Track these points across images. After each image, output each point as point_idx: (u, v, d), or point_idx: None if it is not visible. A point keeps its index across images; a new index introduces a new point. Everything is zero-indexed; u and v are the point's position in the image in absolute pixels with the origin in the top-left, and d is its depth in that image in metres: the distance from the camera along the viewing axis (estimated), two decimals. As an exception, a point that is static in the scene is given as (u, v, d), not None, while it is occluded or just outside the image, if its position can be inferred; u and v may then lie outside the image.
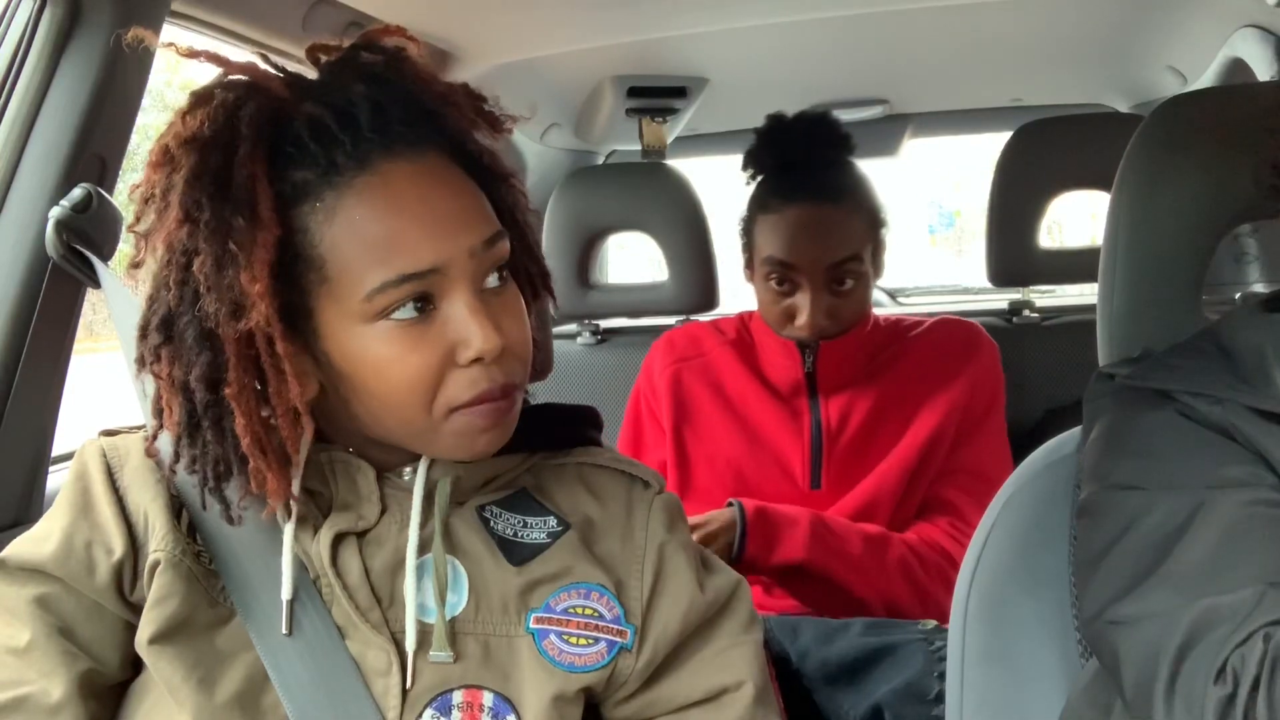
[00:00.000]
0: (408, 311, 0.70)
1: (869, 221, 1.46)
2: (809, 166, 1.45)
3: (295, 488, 0.75)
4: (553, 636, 0.76)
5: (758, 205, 1.48)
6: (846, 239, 1.41)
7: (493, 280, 0.74)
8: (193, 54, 0.73)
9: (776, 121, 1.51)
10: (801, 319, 1.41)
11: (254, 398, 0.71)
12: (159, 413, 0.74)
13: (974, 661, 0.86)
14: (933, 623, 1.23)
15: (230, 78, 0.72)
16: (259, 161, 0.69)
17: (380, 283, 0.69)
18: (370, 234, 0.70)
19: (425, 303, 0.71)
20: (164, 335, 0.72)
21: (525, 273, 0.82)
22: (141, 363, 0.74)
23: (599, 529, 0.81)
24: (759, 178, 1.51)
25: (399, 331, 0.70)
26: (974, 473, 1.43)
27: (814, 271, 1.40)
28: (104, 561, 0.76)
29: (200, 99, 0.71)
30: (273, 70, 0.74)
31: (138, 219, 0.73)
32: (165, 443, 0.76)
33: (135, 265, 0.74)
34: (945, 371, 1.45)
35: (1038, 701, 0.82)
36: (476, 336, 0.70)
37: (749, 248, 1.50)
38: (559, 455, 0.85)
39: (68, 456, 1.21)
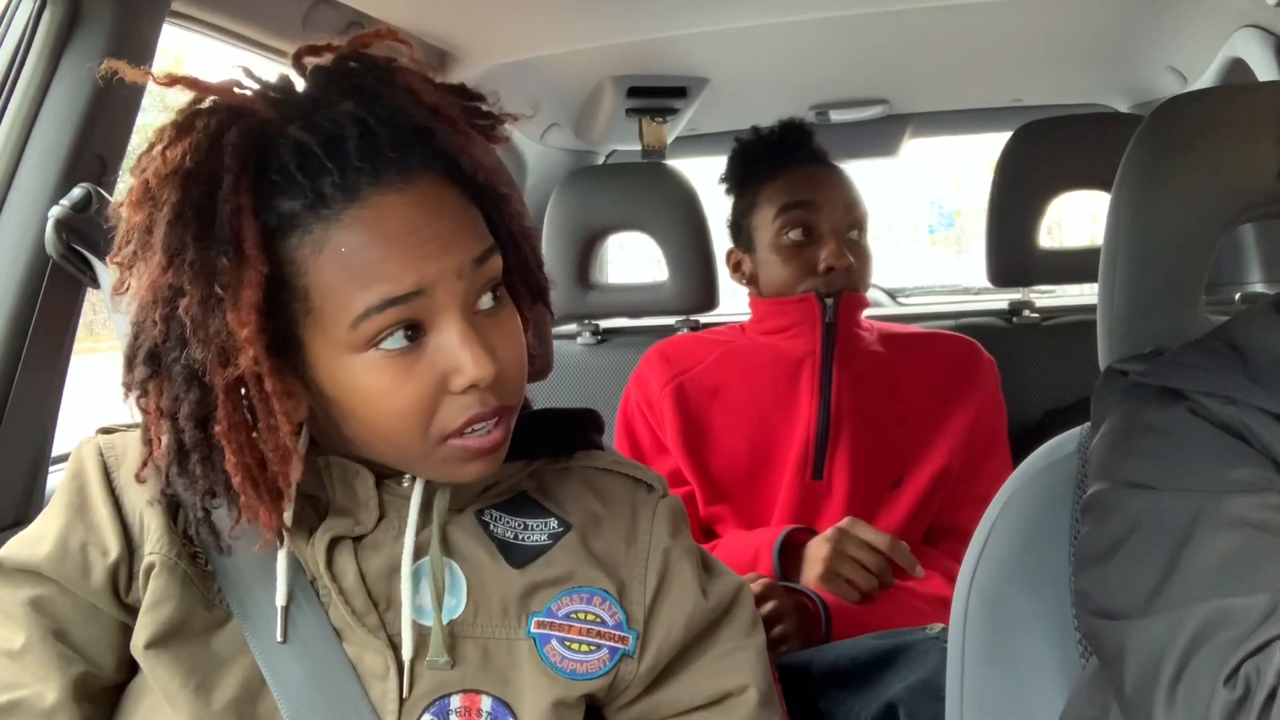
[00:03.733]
0: (397, 341, 0.68)
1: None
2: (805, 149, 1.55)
3: (288, 518, 0.74)
4: (554, 642, 0.76)
5: (758, 182, 1.54)
6: (852, 189, 1.51)
7: (486, 301, 0.72)
8: (172, 81, 0.70)
9: (753, 134, 1.60)
10: (827, 253, 1.45)
11: (245, 434, 0.69)
12: (148, 442, 0.73)
13: (974, 661, 0.85)
14: (939, 626, 1.22)
15: (211, 100, 0.69)
16: (244, 193, 0.66)
17: (364, 309, 0.67)
18: (354, 263, 0.67)
19: (415, 330, 0.69)
20: (151, 369, 0.70)
21: (524, 286, 0.80)
22: (128, 390, 0.72)
23: (602, 529, 0.81)
24: (749, 179, 1.57)
25: (388, 362, 0.69)
26: (986, 499, 1.42)
27: (834, 209, 1.47)
28: (99, 563, 0.75)
29: (181, 129, 0.68)
30: (257, 86, 0.71)
31: (119, 251, 0.71)
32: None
33: (119, 292, 0.72)
34: (949, 398, 1.46)
35: (1038, 701, 0.82)
36: (469, 365, 0.69)
37: (746, 232, 1.55)
38: (560, 460, 0.84)
39: (68, 456, 1.21)
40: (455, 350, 0.69)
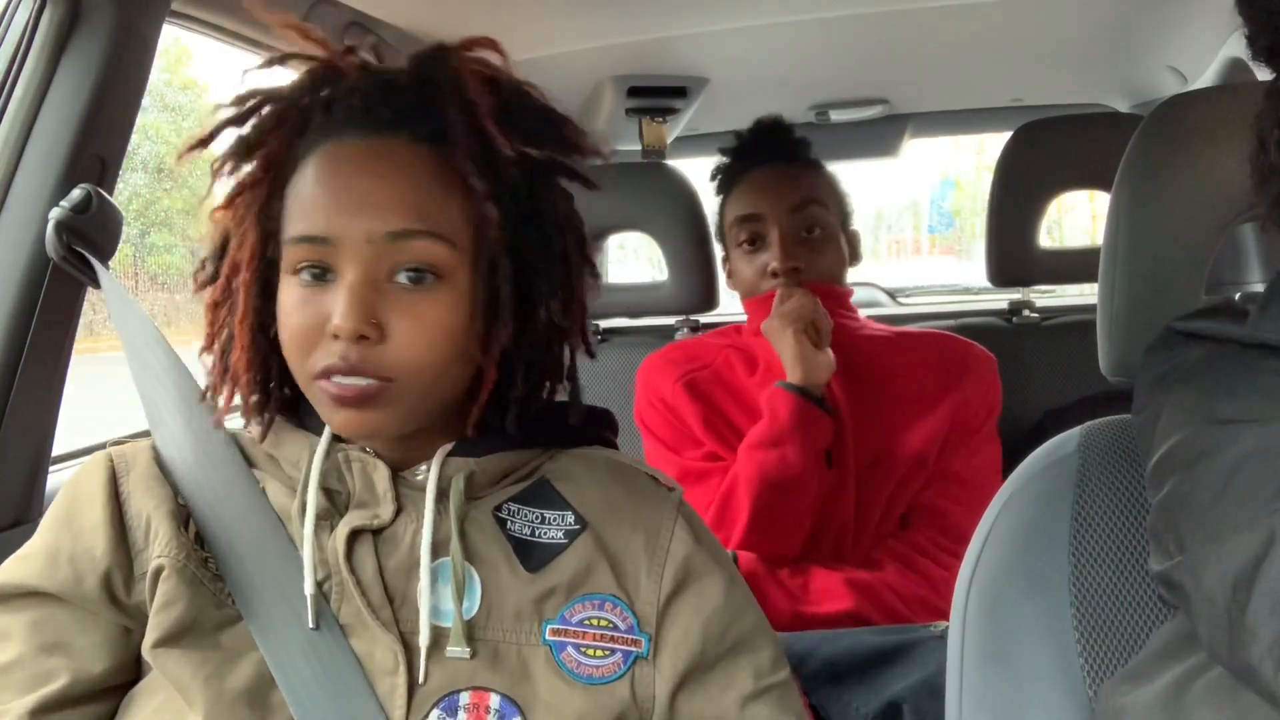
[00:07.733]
0: (305, 277, 0.74)
1: (830, 183, 1.58)
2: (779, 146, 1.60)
3: (311, 502, 0.77)
4: (570, 649, 0.77)
5: (725, 191, 1.61)
6: (807, 186, 1.54)
7: (403, 278, 0.73)
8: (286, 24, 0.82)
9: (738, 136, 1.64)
10: (773, 256, 1.50)
11: (221, 313, 0.79)
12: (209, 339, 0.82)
13: (973, 661, 0.85)
14: (944, 624, 1.22)
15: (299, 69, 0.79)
16: (275, 133, 0.76)
17: (289, 236, 0.74)
18: (301, 194, 0.75)
19: (326, 274, 0.74)
20: (207, 269, 0.82)
21: (488, 295, 0.77)
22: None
23: (621, 518, 0.81)
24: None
25: (299, 289, 0.74)
26: (964, 481, 1.43)
27: (779, 215, 1.51)
28: (90, 572, 0.77)
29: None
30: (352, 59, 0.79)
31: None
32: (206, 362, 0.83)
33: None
34: (936, 386, 1.46)
35: (1037, 701, 0.82)
36: (337, 312, 0.71)
37: (724, 238, 1.61)
38: (580, 449, 0.85)
39: (68, 456, 1.21)
40: (336, 297, 0.73)
